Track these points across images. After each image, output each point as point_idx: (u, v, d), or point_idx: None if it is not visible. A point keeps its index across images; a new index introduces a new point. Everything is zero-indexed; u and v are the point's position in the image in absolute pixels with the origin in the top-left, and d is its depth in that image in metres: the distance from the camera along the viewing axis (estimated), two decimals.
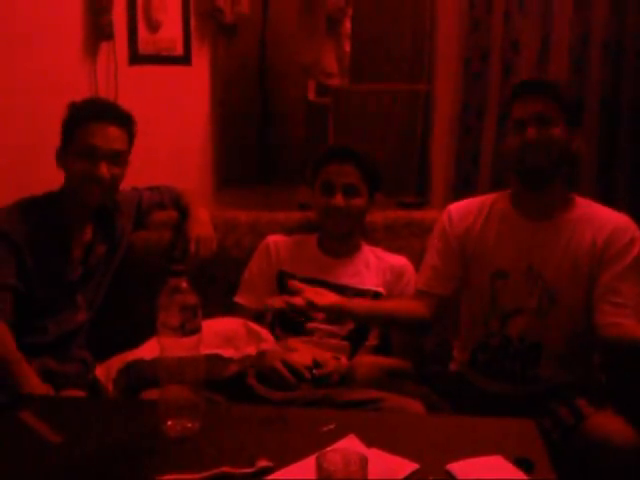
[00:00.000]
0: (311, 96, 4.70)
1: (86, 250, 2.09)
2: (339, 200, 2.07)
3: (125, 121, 2.04)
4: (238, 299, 2.16)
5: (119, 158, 2.02)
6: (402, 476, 1.26)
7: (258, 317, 2.09)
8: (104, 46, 3.08)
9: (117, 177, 2.03)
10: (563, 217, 1.90)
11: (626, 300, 1.80)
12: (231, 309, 2.13)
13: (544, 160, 1.85)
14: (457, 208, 2.02)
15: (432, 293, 1.98)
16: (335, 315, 1.97)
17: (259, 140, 4.60)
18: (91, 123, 1.98)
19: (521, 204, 1.94)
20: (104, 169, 1.98)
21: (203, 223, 2.24)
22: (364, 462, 1.13)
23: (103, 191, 2.02)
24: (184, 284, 1.38)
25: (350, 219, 2.11)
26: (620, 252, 1.83)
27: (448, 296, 1.99)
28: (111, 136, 1.99)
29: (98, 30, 3.03)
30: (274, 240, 2.20)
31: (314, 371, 1.85)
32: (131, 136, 2.06)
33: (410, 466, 1.29)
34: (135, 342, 1.85)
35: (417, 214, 2.43)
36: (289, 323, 2.08)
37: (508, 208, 1.96)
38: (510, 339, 1.91)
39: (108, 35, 3.06)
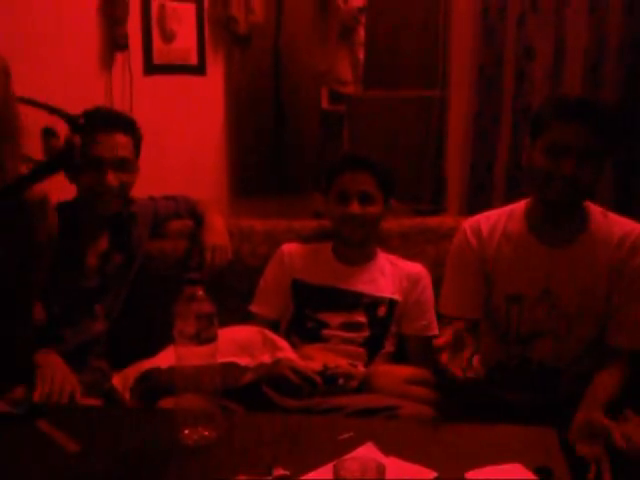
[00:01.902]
0: (325, 104, 4.71)
1: (102, 259, 2.10)
2: (355, 208, 2.07)
3: (128, 127, 2.06)
4: (254, 308, 2.17)
5: (125, 165, 2.03)
6: None
7: (274, 326, 2.09)
8: (119, 57, 3.11)
9: (126, 184, 2.05)
10: (581, 238, 1.83)
11: (630, 322, 1.79)
12: (247, 318, 2.13)
13: (578, 197, 1.79)
14: (471, 226, 1.95)
15: (467, 318, 1.93)
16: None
17: (274, 149, 4.61)
18: (94, 134, 1.99)
19: (538, 228, 1.87)
20: (111, 178, 2.00)
21: (219, 232, 2.24)
22: (382, 470, 1.13)
23: (114, 200, 2.04)
24: (200, 292, 1.39)
25: (366, 226, 2.10)
26: (634, 271, 1.80)
27: (480, 318, 1.95)
28: (115, 144, 2.01)
29: (113, 41, 3.06)
30: (289, 249, 2.21)
31: (327, 371, 1.84)
32: (137, 141, 2.09)
33: (428, 474, 1.28)
34: (152, 351, 1.85)
35: (432, 221, 2.41)
36: (305, 331, 2.08)
37: (524, 230, 1.88)
38: (530, 362, 1.88)
39: (123, 46, 3.08)
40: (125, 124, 2.06)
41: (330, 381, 1.84)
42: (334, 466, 1.13)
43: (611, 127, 1.76)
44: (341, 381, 1.86)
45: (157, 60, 3.30)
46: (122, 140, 2.03)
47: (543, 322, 1.85)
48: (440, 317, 2.05)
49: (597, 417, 1.65)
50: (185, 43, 3.42)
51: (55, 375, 1.78)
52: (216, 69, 3.63)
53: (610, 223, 1.85)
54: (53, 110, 1.56)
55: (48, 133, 1.58)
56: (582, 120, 1.72)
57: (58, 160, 1.58)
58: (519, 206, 1.93)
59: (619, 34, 3.08)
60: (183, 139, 3.36)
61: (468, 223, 1.97)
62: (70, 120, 1.56)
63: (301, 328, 2.09)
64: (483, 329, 2.00)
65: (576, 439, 1.61)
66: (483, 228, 1.93)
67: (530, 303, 1.86)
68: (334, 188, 2.12)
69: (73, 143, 1.56)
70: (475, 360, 2.06)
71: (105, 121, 2.04)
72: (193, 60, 3.48)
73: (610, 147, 1.76)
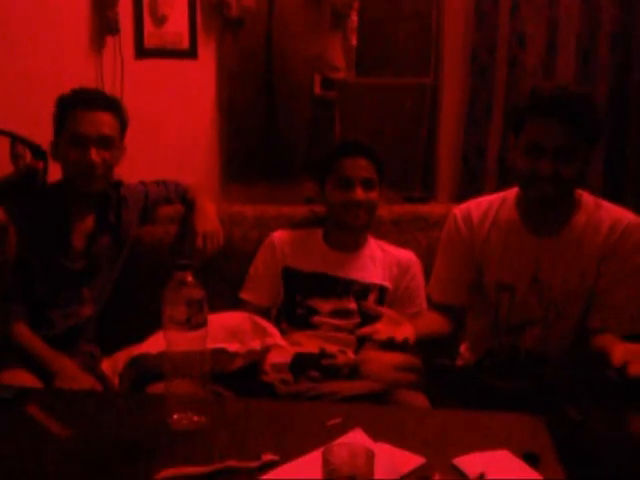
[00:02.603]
0: (317, 90, 4.70)
1: (88, 241, 2.09)
2: (360, 194, 2.06)
3: (112, 106, 2.06)
4: (244, 295, 2.17)
5: (109, 143, 2.03)
6: (408, 470, 1.26)
7: (264, 313, 2.09)
8: (110, 40, 3.08)
9: (109, 162, 2.05)
10: (570, 226, 1.83)
11: (615, 306, 1.79)
12: (237, 303, 2.13)
13: (556, 194, 1.76)
14: (462, 212, 1.94)
15: (450, 305, 1.95)
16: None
17: (265, 134, 4.60)
18: (78, 111, 2.00)
19: (528, 217, 1.86)
20: (94, 155, 2.00)
21: (210, 217, 2.23)
22: (371, 456, 1.13)
23: (97, 177, 2.03)
24: (190, 278, 1.38)
25: (368, 212, 2.10)
26: (623, 257, 1.79)
27: (465, 305, 1.97)
28: (98, 121, 2.01)
29: (104, 24, 3.04)
30: (279, 236, 2.20)
31: (323, 361, 1.85)
32: (121, 121, 2.08)
33: (416, 460, 1.29)
34: (141, 336, 1.85)
35: (423, 208, 2.42)
36: (295, 317, 2.08)
37: (514, 219, 1.87)
38: (518, 350, 1.89)
39: (114, 29, 3.06)
40: (109, 104, 2.06)
41: (328, 372, 1.85)
42: (323, 452, 1.14)
43: (588, 120, 1.72)
44: (346, 370, 1.87)
45: (148, 44, 3.28)
46: (106, 119, 2.02)
47: (533, 310, 1.85)
48: (428, 302, 2.06)
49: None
50: (177, 27, 3.40)
51: (72, 380, 1.84)
52: (208, 53, 3.60)
53: (601, 211, 1.84)
54: (16, 138, 1.57)
55: (14, 140, 1.60)
56: (555, 118, 1.68)
57: (19, 183, 1.59)
58: (511, 193, 1.92)
59: (612, 21, 3.08)
60: (174, 123, 3.35)
61: (459, 209, 1.96)
62: (32, 147, 1.57)
63: (291, 315, 2.09)
64: (474, 317, 2.00)
65: (628, 360, 1.48)
66: (474, 215, 1.92)
67: (520, 292, 1.86)
68: (334, 174, 2.11)
69: (35, 168, 1.56)
70: (463, 347, 2.08)
71: (89, 99, 2.04)
72: (185, 44, 3.45)
73: (590, 139, 1.73)
